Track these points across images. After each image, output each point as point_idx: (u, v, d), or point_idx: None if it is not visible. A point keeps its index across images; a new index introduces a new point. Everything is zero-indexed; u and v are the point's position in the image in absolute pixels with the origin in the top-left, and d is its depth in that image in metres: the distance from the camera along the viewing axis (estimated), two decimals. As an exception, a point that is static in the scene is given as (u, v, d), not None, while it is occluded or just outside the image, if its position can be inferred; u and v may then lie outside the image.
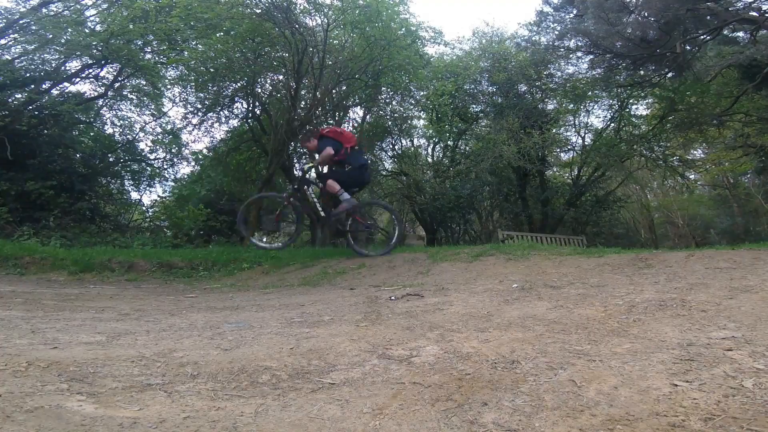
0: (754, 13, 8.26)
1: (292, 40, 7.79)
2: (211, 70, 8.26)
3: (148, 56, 10.27)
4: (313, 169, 5.12)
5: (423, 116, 11.46)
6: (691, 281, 2.26)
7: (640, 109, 13.10)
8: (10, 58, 8.91)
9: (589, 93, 11.66)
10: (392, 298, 2.62)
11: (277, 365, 1.35)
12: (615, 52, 9.37)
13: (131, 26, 8.33)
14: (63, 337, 1.70)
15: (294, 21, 7.65)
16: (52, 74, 9.45)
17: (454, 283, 3.03)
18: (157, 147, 12.31)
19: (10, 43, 9.17)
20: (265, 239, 4.49)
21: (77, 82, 10.61)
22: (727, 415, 0.88)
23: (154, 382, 1.18)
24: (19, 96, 9.16)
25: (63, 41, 8.42)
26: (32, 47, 8.78)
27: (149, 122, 12.10)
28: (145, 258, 5.38)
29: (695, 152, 14.86)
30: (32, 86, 9.14)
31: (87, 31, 8.81)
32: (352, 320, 2.06)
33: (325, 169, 5.12)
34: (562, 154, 14.20)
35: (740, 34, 9.38)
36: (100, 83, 10.91)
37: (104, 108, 11.56)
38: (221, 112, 10.99)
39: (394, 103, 10.59)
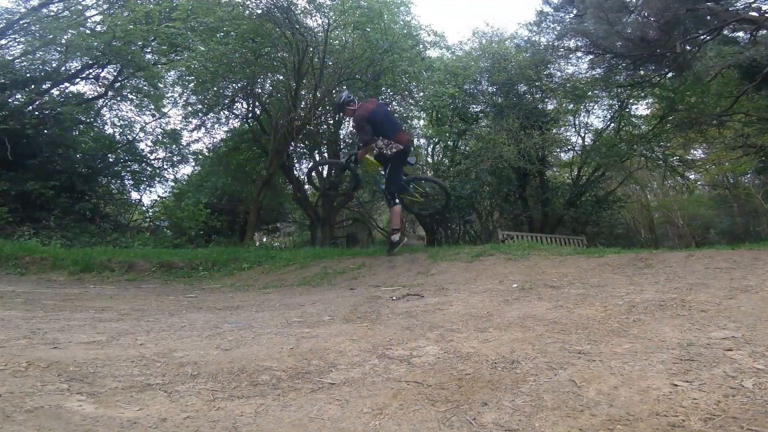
0: (754, 13, 8.26)
1: (293, 40, 7.79)
2: (211, 70, 8.27)
3: (149, 56, 10.28)
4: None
5: (423, 116, 11.46)
6: (691, 281, 2.26)
7: (640, 109, 13.12)
8: (10, 59, 8.91)
9: (589, 93, 11.66)
10: (392, 298, 2.62)
11: (277, 365, 1.35)
12: (615, 52, 9.37)
13: (131, 27, 8.34)
14: (63, 337, 1.70)
15: (295, 21, 7.66)
16: (52, 74, 9.45)
17: (454, 283, 3.03)
18: (157, 147, 12.32)
19: (11, 43, 9.18)
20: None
21: (77, 83, 10.63)
22: (727, 415, 0.88)
23: (154, 382, 1.18)
24: (20, 96, 9.16)
25: (63, 42, 8.43)
26: (33, 48, 8.79)
27: (149, 122, 12.11)
28: (145, 258, 5.37)
29: (695, 152, 14.86)
30: (33, 86, 9.14)
31: (88, 32, 8.82)
32: (352, 320, 2.06)
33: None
34: (562, 154, 14.20)
35: (740, 34, 9.37)
36: (100, 83, 10.93)
37: (104, 108, 11.57)
38: (221, 113, 11.00)
39: (394, 103, 10.59)
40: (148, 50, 10.33)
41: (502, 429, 0.90)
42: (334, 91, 9.14)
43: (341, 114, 4.51)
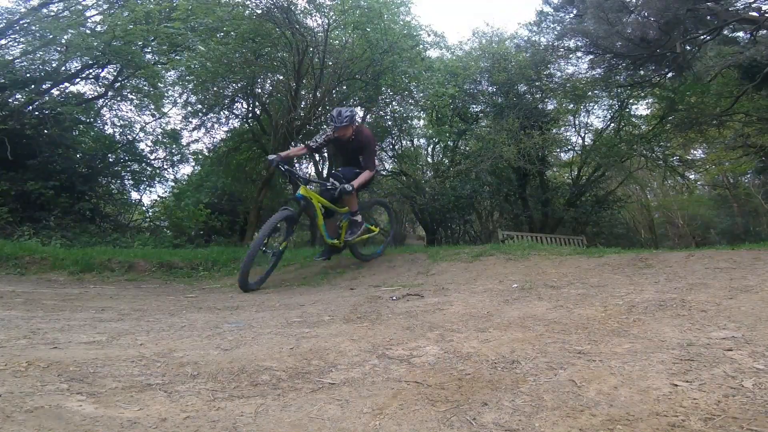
0: (754, 13, 8.26)
1: (293, 40, 7.79)
2: (211, 70, 8.28)
3: (149, 56, 10.29)
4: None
5: (423, 116, 11.46)
6: (691, 281, 2.26)
7: (640, 109, 13.13)
8: (10, 59, 8.92)
9: (589, 93, 11.67)
10: (392, 298, 2.61)
11: (277, 365, 1.35)
12: (615, 52, 9.38)
13: (131, 27, 8.34)
14: (63, 337, 1.70)
15: (295, 21, 7.66)
16: (52, 74, 9.45)
17: (454, 283, 3.03)
18: (157, 147, 12.33)
19: (11, 43, 9.18)
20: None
21: (77, 83, 10.63)
22: (727, 415, 0.88)
23: (154, 382, 1.18)
24: (20, 96, 9.16)
25: (63, 42, 8.43)
26: (33, 48, 8.79)
27: (149, 122, 12.12)
28: (145, 258, 5.37)
29: (695, 152, 14.87)
30: (33, 86, 9.14)
31: (88, 32, 8.83)
32: (352, 320, 2.06)
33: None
34: (562, 154, 14.21)
35: (740, 34, 9.38)
36: (100, 83, 10.93)
37: (104, 108, 11.57)
38: (221, 113, 11.01)
39: (394, 103, 10.59)
40: (148, 50, 10.33)
41: (502, 429, 0.90)
42: (334, 92, 9.13)
43: (339, 125, 3.94)
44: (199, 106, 10.44)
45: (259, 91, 10.16)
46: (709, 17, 8.36)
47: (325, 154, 11.80)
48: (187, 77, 9.43)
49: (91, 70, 10.39)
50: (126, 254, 5.53)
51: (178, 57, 9.54)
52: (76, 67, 10.05)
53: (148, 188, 12.52)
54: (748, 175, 16.99)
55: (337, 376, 1.25)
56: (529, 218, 12.62)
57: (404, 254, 4.76)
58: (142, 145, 12.30)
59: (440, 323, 1.86)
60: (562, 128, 13.51)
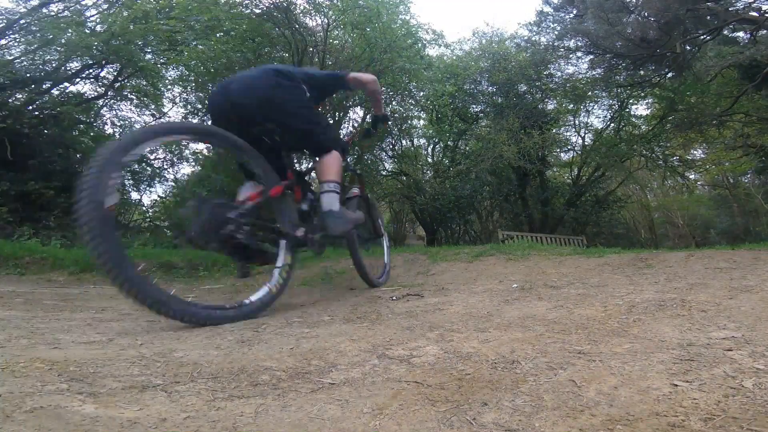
0: (754, 13, 8.27)
1: (292, 40, 7.80)
2: (211, 70, 8.28)
3: (149, 56, 10.30)
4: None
5: (423, 116, 11.47)
6: (691, 281, 2.26)
7: (640, 109, 13.14)
8: (10, 59, 8.92)
9: (589, 93, 11.67)
10: (392, 298, 2.62)
11: (277, 365, 1.35)
12: (615, 52, 9.38)
13: (132, 27, 8.34)
14: (63, 337, 1.70)
15: (294, 21, 7.67)
16: (52, 75, 9.45)
17: (454, 283, 3.03)
18: (157, 147, 12.31)
19: (11, 43, 9.18)
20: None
21: (77, 83, 10.64)
22: (727, 415, 0.88)
23: (154, 382, 1.18)
24: (20, 96, 9.16)
25: (63, 41, 8.44)
26: (33, 47, 8.79)
27: (149, 122, 12.11)
28: (145, 258, 5.37)
29: (695, 152, 14.87)
30: (33, 86, 9.14)
31: (87, 31, 8.83)
32: (352, 320, 2.06)
33: None
34: (562, 154, 14.22)
35: (740, 34, 9.39)
36: (100, 83, 10.93)
37: (104, 108, 11.58)
38: (221, 113, 11.01)
39: (394, 103, 10.60)
40: (148, 50, 10.34)
41: (502, 429, 0.90)
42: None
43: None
44: (199, 105, 10.44)
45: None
46: (709, 17, 8.37)
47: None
48: (188, 78, 9.43)
49: (91, 70, 10.39)
50: (126, 254, 5.52)
51: (176, 56, 9.55)
52: (76, 67, 10.05)
53: (148, 188, 12.52)
54: (748, 175, 17.00)
55: (337, 376, 1.25)
56: (529, 218, 12.63)
57: (404, 254, 4.76)
58: (142, 145, 12.28)
59: (440, 323, 1.85)
60: (562, 128, 13.53)
